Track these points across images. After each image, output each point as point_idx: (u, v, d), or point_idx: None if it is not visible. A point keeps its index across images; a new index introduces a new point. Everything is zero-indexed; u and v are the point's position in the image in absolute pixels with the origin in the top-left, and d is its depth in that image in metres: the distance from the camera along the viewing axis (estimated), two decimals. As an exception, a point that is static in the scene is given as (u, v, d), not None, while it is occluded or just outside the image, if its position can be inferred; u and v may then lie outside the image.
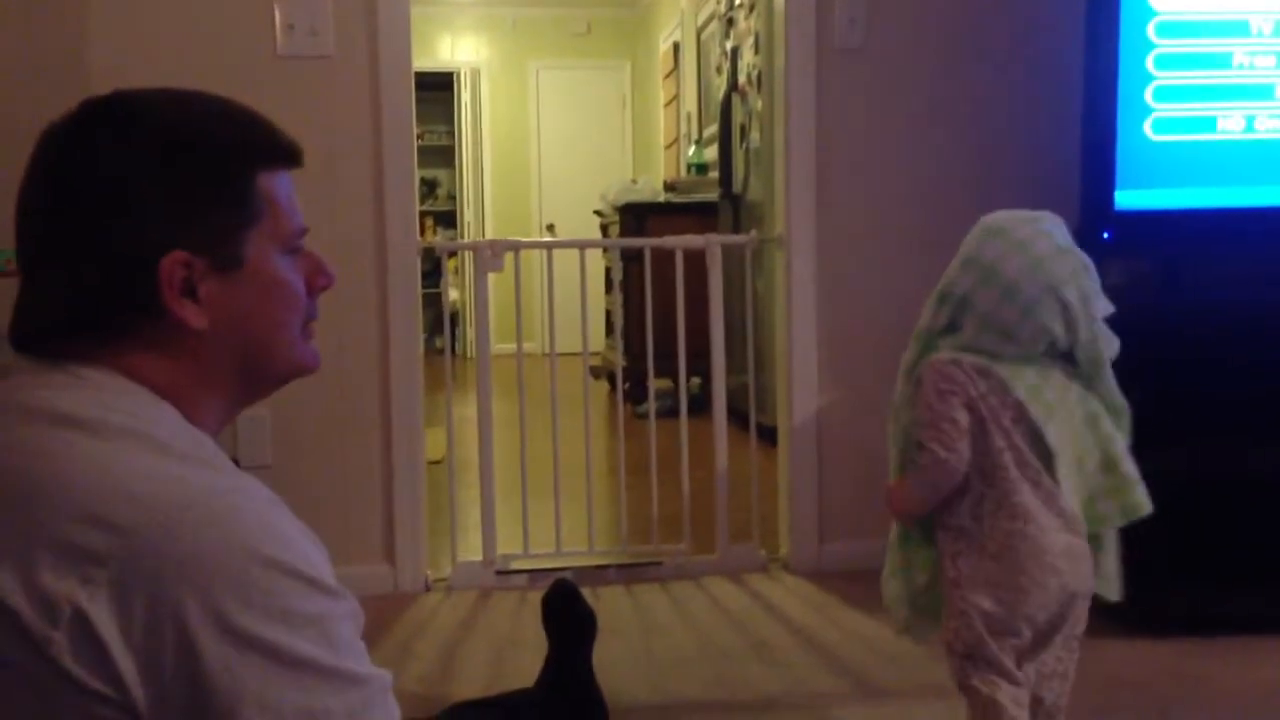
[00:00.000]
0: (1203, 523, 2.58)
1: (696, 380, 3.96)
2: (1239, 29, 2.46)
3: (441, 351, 3.07)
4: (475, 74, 8.85)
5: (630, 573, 3.02)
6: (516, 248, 3.09)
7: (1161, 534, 2.53)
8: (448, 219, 9.33)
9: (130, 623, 0.73)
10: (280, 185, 0.92)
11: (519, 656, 2.42)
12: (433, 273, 7.26)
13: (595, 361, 5.68)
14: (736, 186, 4.99)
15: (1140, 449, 2.47)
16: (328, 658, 0.77)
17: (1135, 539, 2.52)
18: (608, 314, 6.25)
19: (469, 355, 7.01)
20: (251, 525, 0.78)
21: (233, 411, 0.94)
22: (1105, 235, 2.55)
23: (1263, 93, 2.49)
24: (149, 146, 0.86)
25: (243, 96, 0.94)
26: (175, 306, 0.85)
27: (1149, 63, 2.46)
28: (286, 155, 0.93)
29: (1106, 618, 2.54)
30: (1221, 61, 2.48)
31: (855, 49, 2.96)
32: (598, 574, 2.99)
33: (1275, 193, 2.53)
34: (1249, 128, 2.50)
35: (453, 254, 7.25)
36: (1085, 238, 2.61)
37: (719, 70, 5.62)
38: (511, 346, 3.13)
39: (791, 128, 2.97)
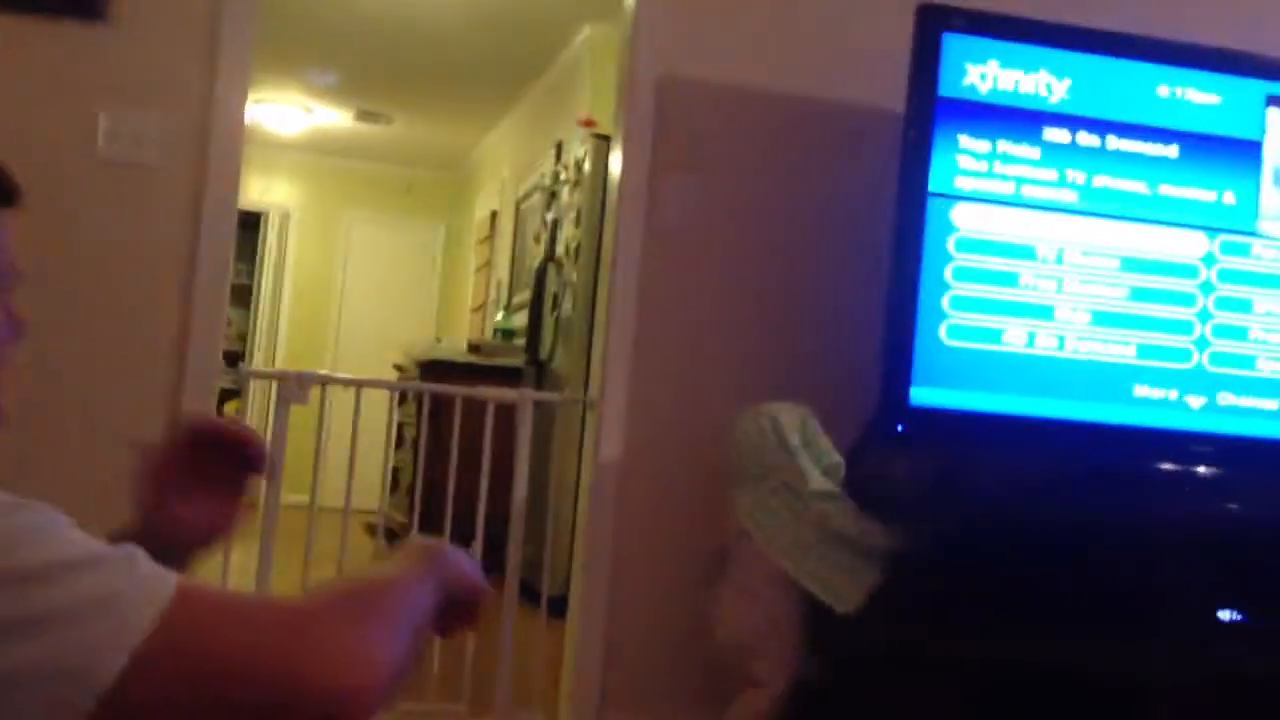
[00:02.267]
0: (968, 715, 2.67)
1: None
2: (1027, 253, 2.71)
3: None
4: (285, 217, 8.74)
5: (404, 733, 2.86)
6: (325, 381, 3.01)
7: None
8: (230, 358, 9.01)
9: None
10: None
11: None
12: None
13: (371, 520, 5.51)
14: (543, 353, 5.04)
15: (916, 634, 2.56)
16: (64, 554, 0.72)
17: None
18: (395, 470, 6.11)
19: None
20: None
21: None
22: (899, 428, 2.69)
23: (1043, 312, 2.72)
24: None
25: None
26: None
27: (948, 273, 2.67)
28: (5, 195, 0.96)
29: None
30: (1009, 280, 2.71)
31: (683, 228, 3.08)
32: (368, 733, 2.81)
33: (1049, 405, 2.74)
34: (1029, 343, 2.72)
35: (236, 394, 7.01)
36: (881, 428, 2.76)
37: (537, 239, 5.75)
38: (292, 498, 2.98)
39: (614, 298, 3.04)
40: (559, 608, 3.21)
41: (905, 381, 2.67)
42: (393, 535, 5.79)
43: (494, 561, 3.19)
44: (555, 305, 5.00)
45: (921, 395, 2.67)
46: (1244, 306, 2.79)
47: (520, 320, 5.80)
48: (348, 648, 0.77)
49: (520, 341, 5.58)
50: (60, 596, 0.71)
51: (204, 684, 0.73)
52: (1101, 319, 2.73)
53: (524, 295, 5.76)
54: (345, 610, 0.80)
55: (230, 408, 7.46)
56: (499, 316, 6.53)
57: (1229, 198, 2.78)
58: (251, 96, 3.01)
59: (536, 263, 5.45)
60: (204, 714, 0.74)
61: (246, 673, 0.74)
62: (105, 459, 2.67)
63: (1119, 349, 2.74)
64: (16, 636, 0.69)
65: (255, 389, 6.29)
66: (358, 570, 0.93)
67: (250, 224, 8.62)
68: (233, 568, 2.89)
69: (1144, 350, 2.75)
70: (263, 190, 8.62)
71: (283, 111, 7.61)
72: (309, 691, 0.74)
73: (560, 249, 5.11)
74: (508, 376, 5.35)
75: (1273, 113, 2.82)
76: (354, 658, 0.77)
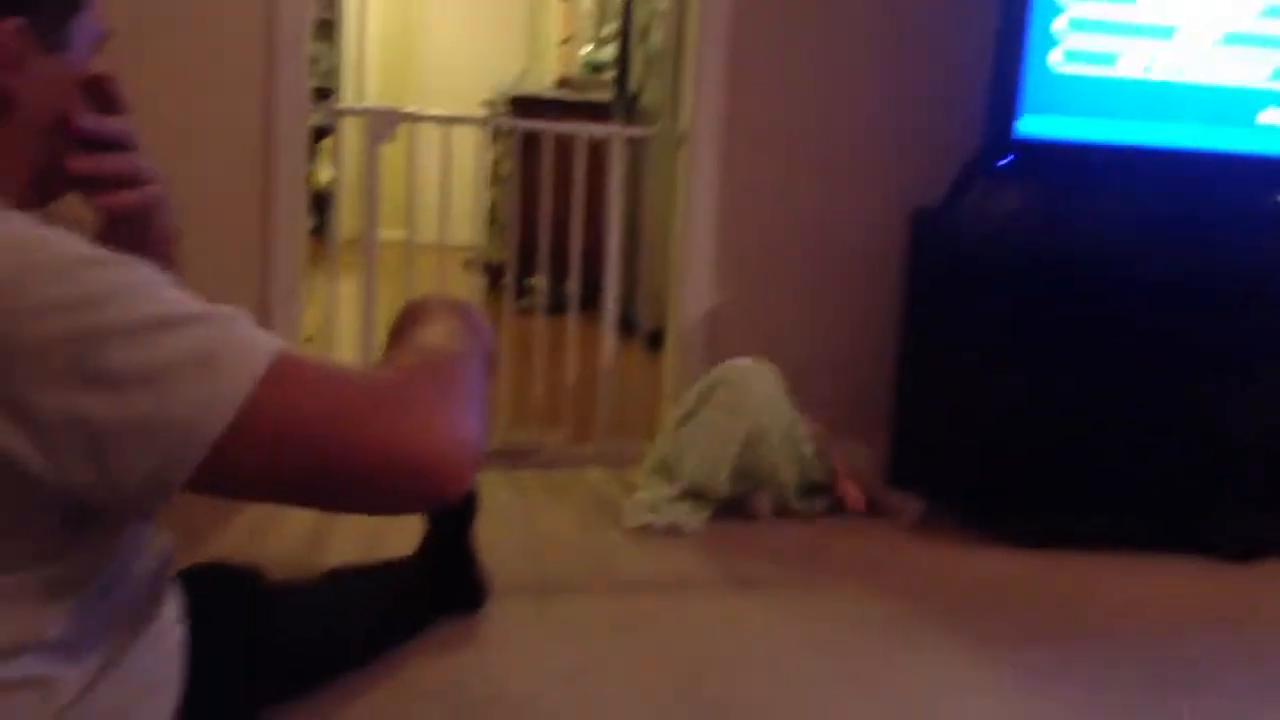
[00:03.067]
0: (1061, 446, 2.71)
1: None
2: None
3: (311, 233, 2.98)
4: (366, -52, 8.47)
5: (509, 457, 3.01)
6: (413, 119, 2.99)
7: (1022, 455, 2.65)
8: (320, 95, 8.98)
9: None
10: None
11: (394, 528, 2.40)
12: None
13: (471, 255, 5.58)
14: (633, 87, 4.93)
15: (1012, 371, 2.57)
16: (160, 310, 0.74)
17: (998, 459, 2.63)
18: (491, 206, 6.15)
19: (342, 238, 6.80)
20: (16, 254, 0.73)
21: (25, 202, 0.89)
22: (1005, 161, 2.61)
23: (1164, 33, 2.56)
24: None
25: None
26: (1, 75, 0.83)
27: (1064, -7, 2.51)
28: None
29: (970, 531, 2.66)
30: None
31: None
32: (475, 457, 2.96)
33: (1165, 133, 2.62)
34: (1148, 68, 2.57)
35: (328, 133, 7.02)
36: (985, 163, 2.68)
37: (624, -33, 5.50)
38: (387, 233, 3.02)
39: (705, 25, 2.93)
40: (657, 340, 3.27)
41: (1012, 111, 2.57)
42: (491, 270, 5.89)
43: (590, 295, 3.25)
44: (644, 37, 4.83)
45: (1029, 125, 2.57)
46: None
47: (608, 53, 5.64)
48: (442, 422, 0.78)
49: (609, 75, 5.45)
50: (164, 351, 0.72)
51: (303, 446, 0.75)
52: (1231, 39, 2.57)
53: (612, 27, 5.58)
54: (434, 388, 0.81)
55: (325, 145, 7.51)
56: (587, 49, 6.35)
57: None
58: None
59: (624, -9, 5.24)
60: (302, 478, 0.76)
61: (347, 438, 0.75)
62: (192, 195, 2.73)
63: (1247, 72, 2.59)
64: (126, 388, 0.71)
65: (347, 127, 6.30)
66: (424, 343, 0.93)
67: (331, -45, 8.38)
68: (338, 301, 2.99)
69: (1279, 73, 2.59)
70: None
71: None
72: (409, 461, 0.75)
73: (649, -25, 4.90)
74: (597, 112, 5.26)
75: None
76: (448, 432, 0.78)
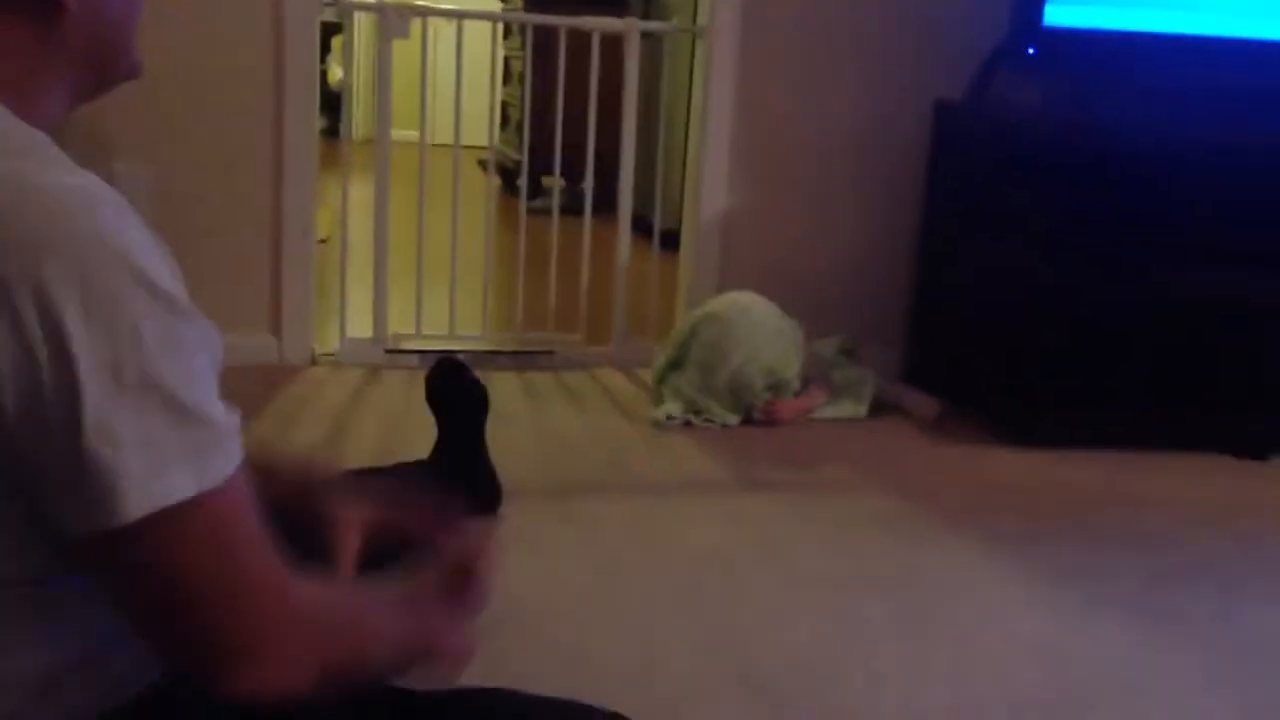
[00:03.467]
0: (1083, 344, 2.68)
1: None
2: None
3: (324, 134, 2.94)
4: None
5: (523, 359, 3.01)
6: (426, 13, 2.92)
7: (1043, 354, 2.62)
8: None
9: None
10: None
11: (410, 432, 2.41)
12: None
13: (483, 156, 5.52)
14: (650, -20, 4.81)
15: (1035, 268, 2.52)
16: (173, 384, 0.70)
17: (1018, 358, 2.60)
18: (504, 106, 6.06)
19: (354, 139, 6.72)
20: (104, 227, 0.69)
21: (66, 112, 0.85)
22: (1030, 50, 2.53)
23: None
24: None
25: None
26: None
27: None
28: None
29: (986, 430, 2.65)
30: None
31: None
32: (490, 359, 2.96)
33: (1195, 19, 2.53)
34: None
35: (339, 29, 6.89)
36: (1010, 53, 2.60)
37: None
38: (401, 134, 2.98)
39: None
40: (672, 241, 3.24)
41: (1040, 1, 2.48)
42: (504, 171, 5.83)
43: (605, 196, 3.21)
44: (662, -73, 4.70)
45: (1056, 14, 2.49)
46: None
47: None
48: (288, 678, 0.76)
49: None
50: (151, 427, 0.69)
51: (159, 584, 0.72)
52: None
53: (628, -84, 5.41)
54: (317, 645, 0.79)
55: (335, 44, 7.37)
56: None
57: None
58: None
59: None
60: (140, 611, 0.74)
61: (183, 622, 0.73)
62: (203, 94, 2.69)
63: (1283, -43, 2.49)
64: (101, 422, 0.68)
65: (358, 22, 6.18)
66: (370, 599, 0.89)
67: None
68: (352, 203, 2.96)
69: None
70: None
71: None
72: (224, 674, 0.73)
73: None
74: (613, 6, 5.13)
75: None
76: (284, 684, 0.76)
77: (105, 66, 0.84)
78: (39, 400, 0.67)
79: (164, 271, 0.72)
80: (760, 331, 2.62)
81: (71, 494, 0.69)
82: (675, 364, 2.67)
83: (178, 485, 0.70)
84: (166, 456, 0.70)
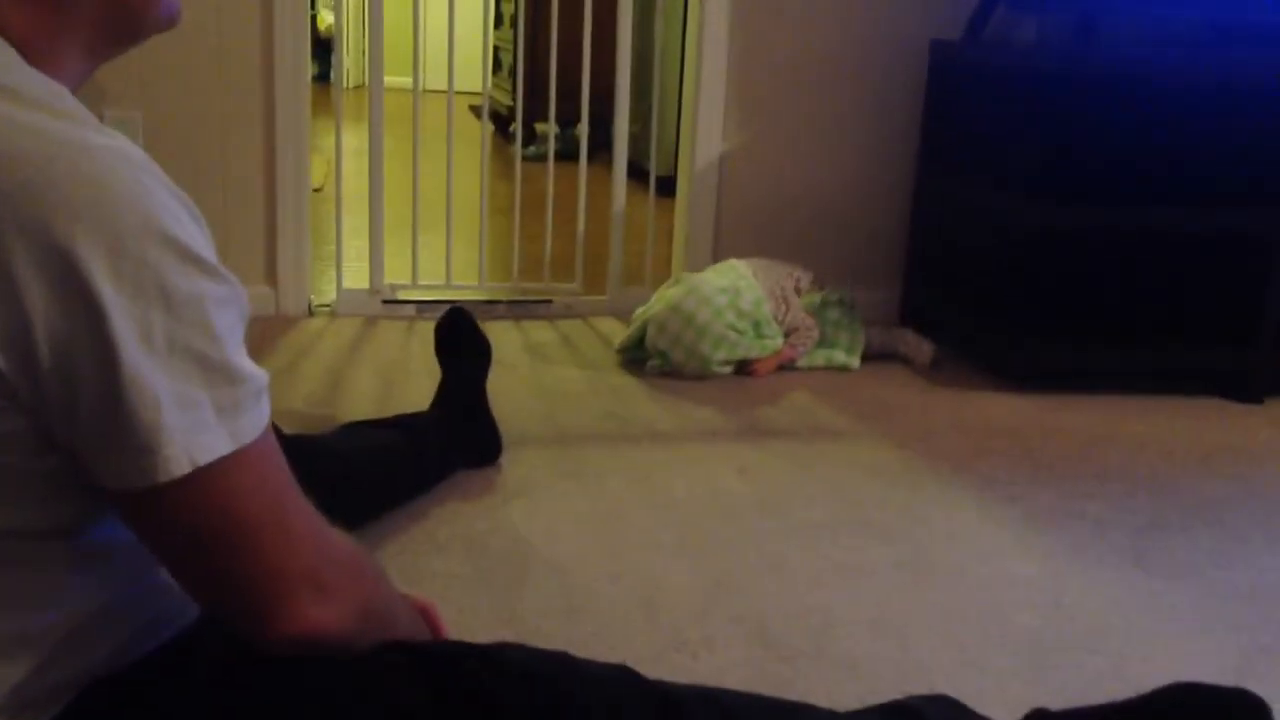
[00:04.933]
0: (1081, 285, 2.68)
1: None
2: None
3: (314, 80, 2.89)
4: None
5: (520, 309, 3.00)
6: (415, -43, 2.87)
7: (1040, 295, 2.62)
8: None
9: None
10: None
11: (409, 382, 2.41)
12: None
13: (475, 101, 5.47)
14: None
15: (1032, 208, 2.52)
16: (203, 344, 0.71)
17: (1015, 299, 2.60)
18: (496, 50, 6.00)
19: (346, 85, 6.68)
20: (133, 190, 0.69)
21: (89, 67, 0.83)
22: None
23: None
24: None
25: None
26: None
27: None
28: None
29: (982, 374, 2.65)
30: None
31: None
32: (487, 308, 2.95)
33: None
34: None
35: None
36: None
37: None
38: (392, 79, 2.94)
39: None
40: (667, 187, 3.21)
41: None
42: (498, 117, 5.78)
43: (600, 142, 3.18)
44: None
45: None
46: None
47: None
48: (334, 619, 0.77)
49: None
50: (187, 381, 0.70)
51: (207, 534, 0.73)
52: None
53: None
54: (358, 587, 0.80)
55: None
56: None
57: None
58: None
59: None
60: (188, 559, 0.75)
61: (234, 565, 0.74)
62: (192, 40, 2.65)
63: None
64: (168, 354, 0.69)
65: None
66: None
67: None
68: (346, 150, 2.93)
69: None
70: None
71: None
72: (275, 616, 0.75)
73: None
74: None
75: None
76: (332, 626, 0.77)
77: (123, 21, 0.82)
78: (71, 358, 0.67)
79: (193, 231, 0.72)
80: (710, 308, 2.56)
81: (115, 452, 0.70)
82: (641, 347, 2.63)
83: (217, 441, 0.72)
84: (204, 413, 0.71)
